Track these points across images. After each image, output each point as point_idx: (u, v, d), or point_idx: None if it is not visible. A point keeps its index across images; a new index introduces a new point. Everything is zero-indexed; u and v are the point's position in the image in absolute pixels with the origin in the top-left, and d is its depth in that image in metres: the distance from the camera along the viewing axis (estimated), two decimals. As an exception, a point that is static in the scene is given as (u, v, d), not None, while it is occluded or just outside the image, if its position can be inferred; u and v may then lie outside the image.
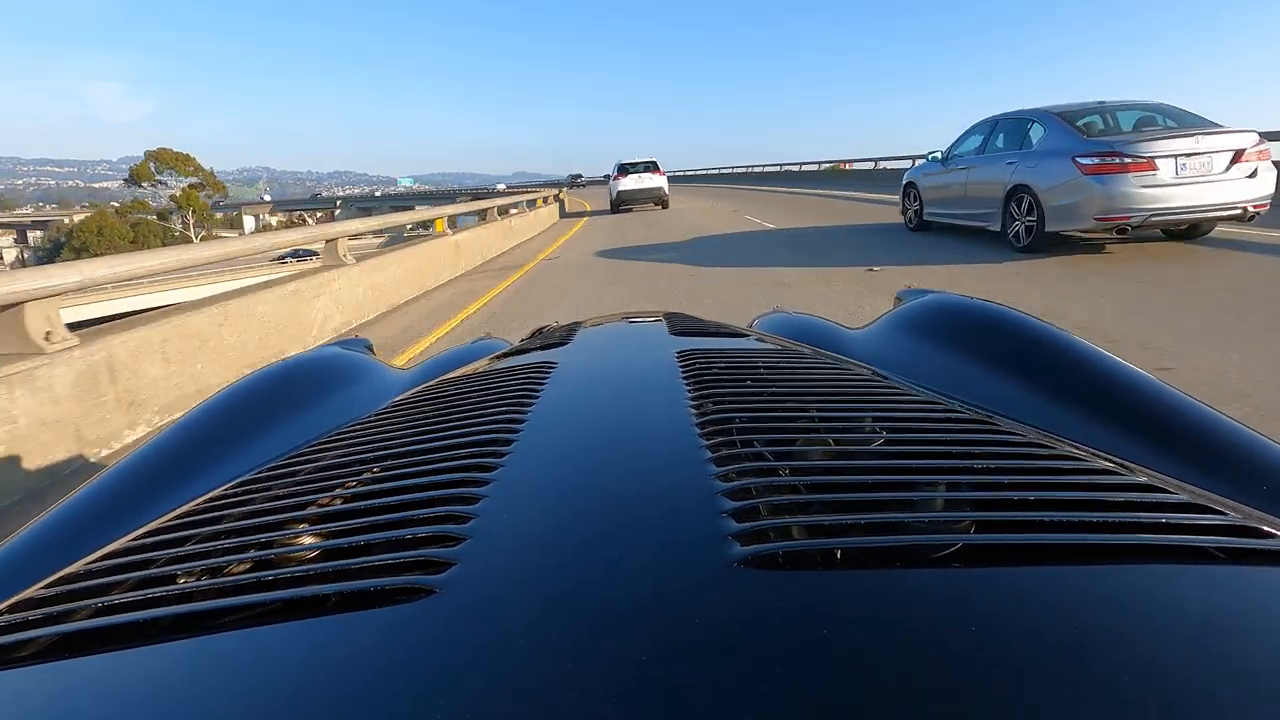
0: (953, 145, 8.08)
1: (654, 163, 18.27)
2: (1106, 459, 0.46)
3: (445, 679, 0.25)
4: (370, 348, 1.20)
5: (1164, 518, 0.34)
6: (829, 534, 0.34)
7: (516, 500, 0.39)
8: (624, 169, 18.35)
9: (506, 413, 0.54)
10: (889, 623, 0.27)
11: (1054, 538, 0.32)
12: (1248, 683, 0.23)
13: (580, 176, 70.24)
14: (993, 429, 0.49)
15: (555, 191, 20.43)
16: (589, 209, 22.87)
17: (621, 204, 18.16)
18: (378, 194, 76.77)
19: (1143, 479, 0.41)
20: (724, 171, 43.91)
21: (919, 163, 9.06)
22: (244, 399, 0.83)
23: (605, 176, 23.82)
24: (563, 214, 20.34)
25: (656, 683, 0.24)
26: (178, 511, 0.49)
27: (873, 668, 0.24)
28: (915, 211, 8.74)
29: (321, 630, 0.30)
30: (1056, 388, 0.71)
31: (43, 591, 0.38)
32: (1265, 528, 0.34)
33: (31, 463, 2.62)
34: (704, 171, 48.56)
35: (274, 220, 72.94)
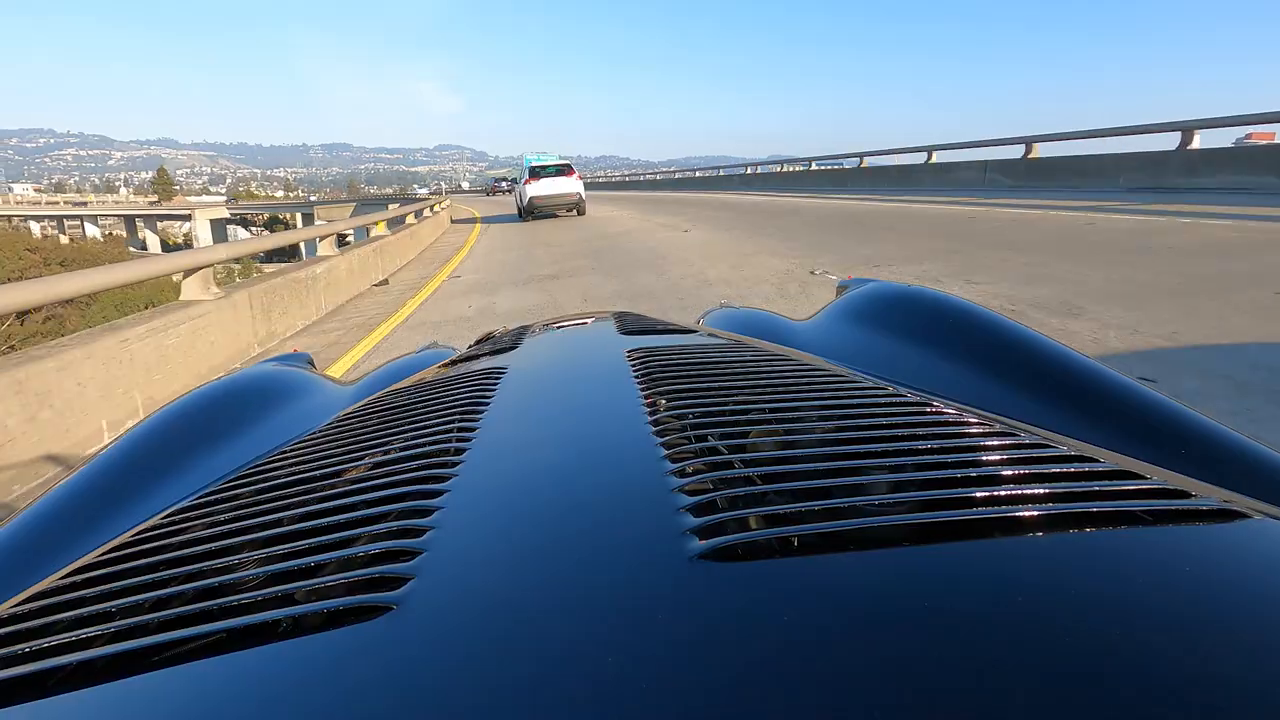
0: None
1: (568, 165, 16.88)
2: (1040, 433, 0.47)
3: (410, 696, 0.25)
4: (311, 362, 1.14)
5: (1095, 485, 0.36)
6: (785, 523, 0.34)
7: (472, 510, 0.39)
8: (535, 172, 16.59)
9: (458, 421, 0.54)
10: (847, 604, 0.28)
11: (995, 511, 0.33)
12: (1177, 634, 0.25)
13: (504, 181, 55.34)
14: (934, 411, 0.50)
15: (439, 200, 16.89)
16: (478, 215, 18.83)
17: (532, 212, 16.60)
18: (464, 186, 72.05)
19: (1074, 450, 0.42)
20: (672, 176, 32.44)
21: None
22: (178, 422, 0.79)
23: (510, 183, 21.38)
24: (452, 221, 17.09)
25: (627, 684, 0.24)
26: (110, 545, 0.46)
27: (835, 650, 0.25)
28: None
29: (273, 658, 0.29)
30: (991, 367, 0.74)
31: None
32: (1189, 490, 0.36)
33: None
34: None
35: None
